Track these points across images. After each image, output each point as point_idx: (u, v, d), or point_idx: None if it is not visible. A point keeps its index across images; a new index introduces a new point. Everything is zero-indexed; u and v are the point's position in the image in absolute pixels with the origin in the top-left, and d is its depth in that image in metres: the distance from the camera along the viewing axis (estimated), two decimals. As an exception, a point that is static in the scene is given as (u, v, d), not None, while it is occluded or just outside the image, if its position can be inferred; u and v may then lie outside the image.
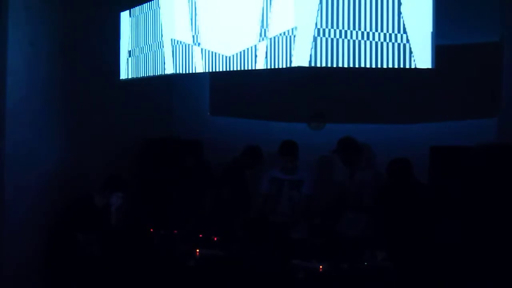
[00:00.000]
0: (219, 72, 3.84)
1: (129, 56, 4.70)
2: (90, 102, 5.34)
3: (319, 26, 3.32)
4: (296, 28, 3.31)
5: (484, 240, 4.49)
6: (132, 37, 4.65)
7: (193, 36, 3.92)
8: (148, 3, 4.41)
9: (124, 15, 4.78)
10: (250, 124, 6.77)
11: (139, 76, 4.63)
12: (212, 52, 3.79)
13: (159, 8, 4.26)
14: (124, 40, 4.74)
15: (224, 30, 3.70)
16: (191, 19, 3.93)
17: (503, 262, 4.39)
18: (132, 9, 4.61)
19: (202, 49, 3.88)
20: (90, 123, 5.35)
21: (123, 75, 4.85)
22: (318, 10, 3.32)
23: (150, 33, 4.42)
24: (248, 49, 3.55)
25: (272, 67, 3.43)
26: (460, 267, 4.35)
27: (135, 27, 4.61)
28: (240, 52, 3.59)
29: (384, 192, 5.04)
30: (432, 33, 3.36)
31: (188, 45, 3.99)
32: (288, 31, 3.34)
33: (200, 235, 4.86)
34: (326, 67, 3.37)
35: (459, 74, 5.64)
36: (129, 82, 4.90)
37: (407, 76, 4.91)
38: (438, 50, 3.35)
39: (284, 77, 5.78)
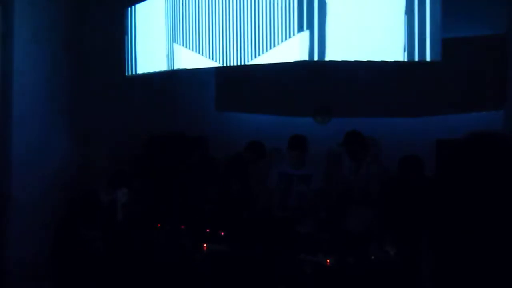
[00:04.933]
0: (225, 67, 3.85)
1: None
2: (96, 98, 5.35)
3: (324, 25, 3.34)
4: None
5: (492, 238, 4.46)
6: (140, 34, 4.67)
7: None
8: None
9: (130, 11, 4.79)
10: (256, 119, 6.77)
11: (144, 72, 4.64)
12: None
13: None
14: (130, 36, 4.76)
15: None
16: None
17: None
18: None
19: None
20: (95, 119, 5.36)
21: (128, 71, 4.86)
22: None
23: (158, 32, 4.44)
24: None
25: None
26: (466, 264, 4.33)
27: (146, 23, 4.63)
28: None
29: (391, 187, 5.02)
30: (439, 26, 3.36)
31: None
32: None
33: (207, 230, 4.86)
34: (331, 61, 3.38)
35: (465, 66, 5.61)
36: (134, 78, 4.91)
37: (413, 69, 4.89)
38: (444, 43, 3.35)
39: (290, 71, 5.76)
